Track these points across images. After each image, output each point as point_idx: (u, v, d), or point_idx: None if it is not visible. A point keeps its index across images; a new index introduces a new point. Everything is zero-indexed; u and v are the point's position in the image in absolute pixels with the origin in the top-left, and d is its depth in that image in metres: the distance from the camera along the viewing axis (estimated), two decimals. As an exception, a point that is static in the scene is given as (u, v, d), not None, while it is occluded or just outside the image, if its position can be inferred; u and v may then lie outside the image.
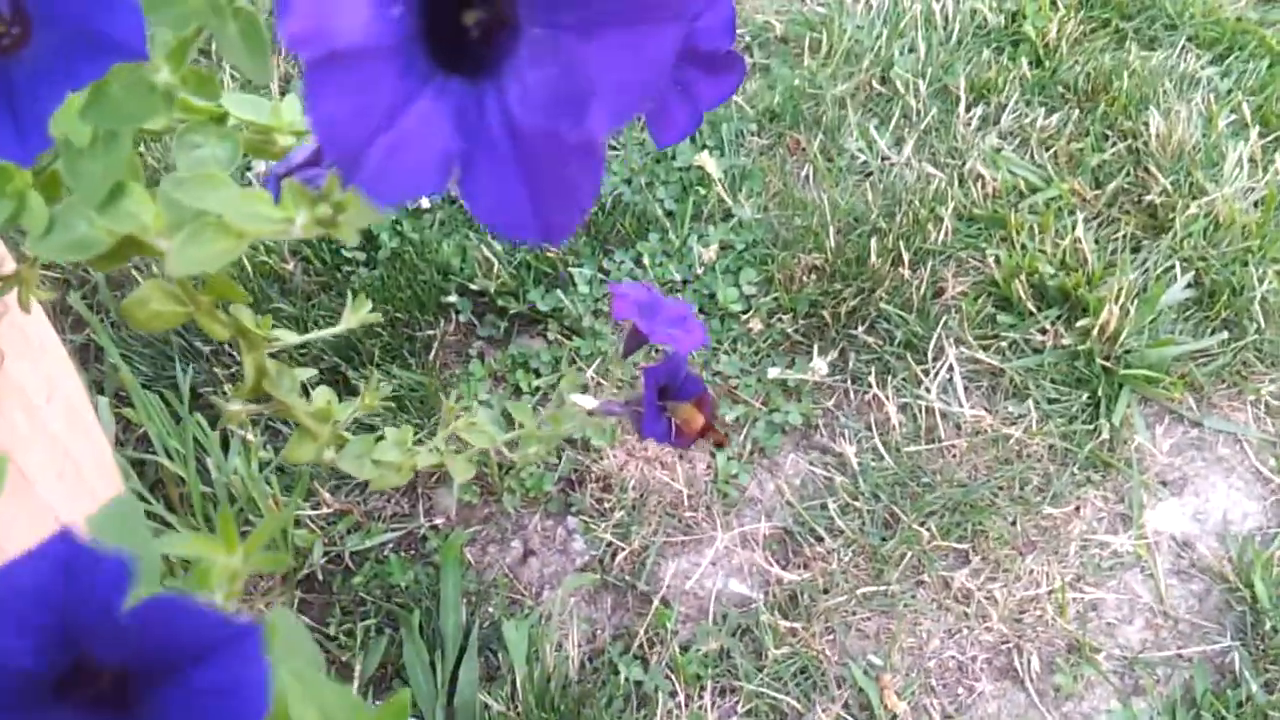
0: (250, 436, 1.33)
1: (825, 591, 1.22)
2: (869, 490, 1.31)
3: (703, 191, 1.62)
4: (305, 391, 0.79)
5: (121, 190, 0.43)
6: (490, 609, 1.26)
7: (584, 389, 0.89)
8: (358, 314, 0.82)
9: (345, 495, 1.38)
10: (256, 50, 0.33)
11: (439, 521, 1.36)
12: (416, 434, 1.36)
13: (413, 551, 1.33)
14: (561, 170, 0.29)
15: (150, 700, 0.29)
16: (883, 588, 1.22)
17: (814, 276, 1.51)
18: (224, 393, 1.39)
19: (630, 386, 1.41)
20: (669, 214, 1.60)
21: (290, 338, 0.76)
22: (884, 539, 1.27)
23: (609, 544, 1.30)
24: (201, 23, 0.34)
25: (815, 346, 1.45)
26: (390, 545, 1.33)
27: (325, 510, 1.34)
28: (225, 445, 1.32)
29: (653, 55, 0.28)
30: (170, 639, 0.28)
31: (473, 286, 1.52)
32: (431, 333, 1.49)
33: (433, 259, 1.54)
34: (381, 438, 0.89)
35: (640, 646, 1.20)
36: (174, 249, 0.39)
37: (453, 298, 1.51)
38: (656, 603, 1.24)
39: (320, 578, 1.30)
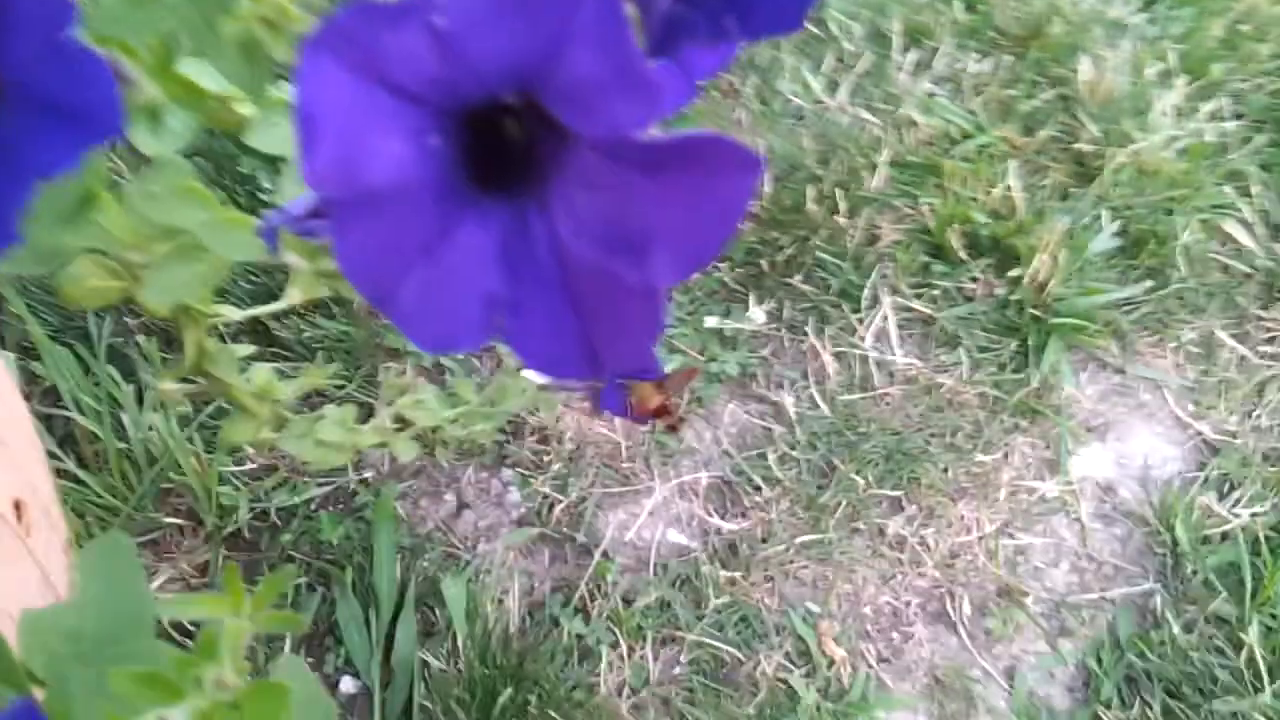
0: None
1: (764, 541, 1.23)
2: (806, 439, 1.32)
3: (636, 135, 1.59)
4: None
5: (90, 201, 0.39)
6: (425, 564, 1.25)
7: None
8: (304, 288, 0.78)
9: (271, 450, 1.34)
10: (256, 67, 0.28)
11: (369, 475, 1.33)
12: (345, 390, 1.33)
13: (342, 506, 1.30)
14: (618, 312, 0.24)
15: None
16: (820, 536, 1.23)
17: (751, 224, 1.49)
18: (137, 344, 1.33)
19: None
20: (602, 158, 1.57)
21: (233, 314, 0.72)
22: (820, 488, 1.28)
23: (546, 496, 1.28)
24: (186, 32, 0.29)
25: (752, 295, 1.44)
26: (319, 500, 1.30)
27: (251, 465, 1.30)
28: (140, 398, 1.27)
29: (727, 206, 0.23)
30: None
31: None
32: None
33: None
34: (322, 417, 0.86)
35: (581, 599, 1.20)
36: (150, 277, 0.36)
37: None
38: (596, 555, 1.24)
39: (247, 535, 1.26)
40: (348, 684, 1.19)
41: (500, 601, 1.20)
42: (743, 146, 0.23)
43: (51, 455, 1.23)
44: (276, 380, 0.78)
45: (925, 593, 1.21)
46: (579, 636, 1.17)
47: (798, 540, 1.23)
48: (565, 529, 1.27)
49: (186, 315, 0.66)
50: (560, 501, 1.28)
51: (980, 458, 1.31)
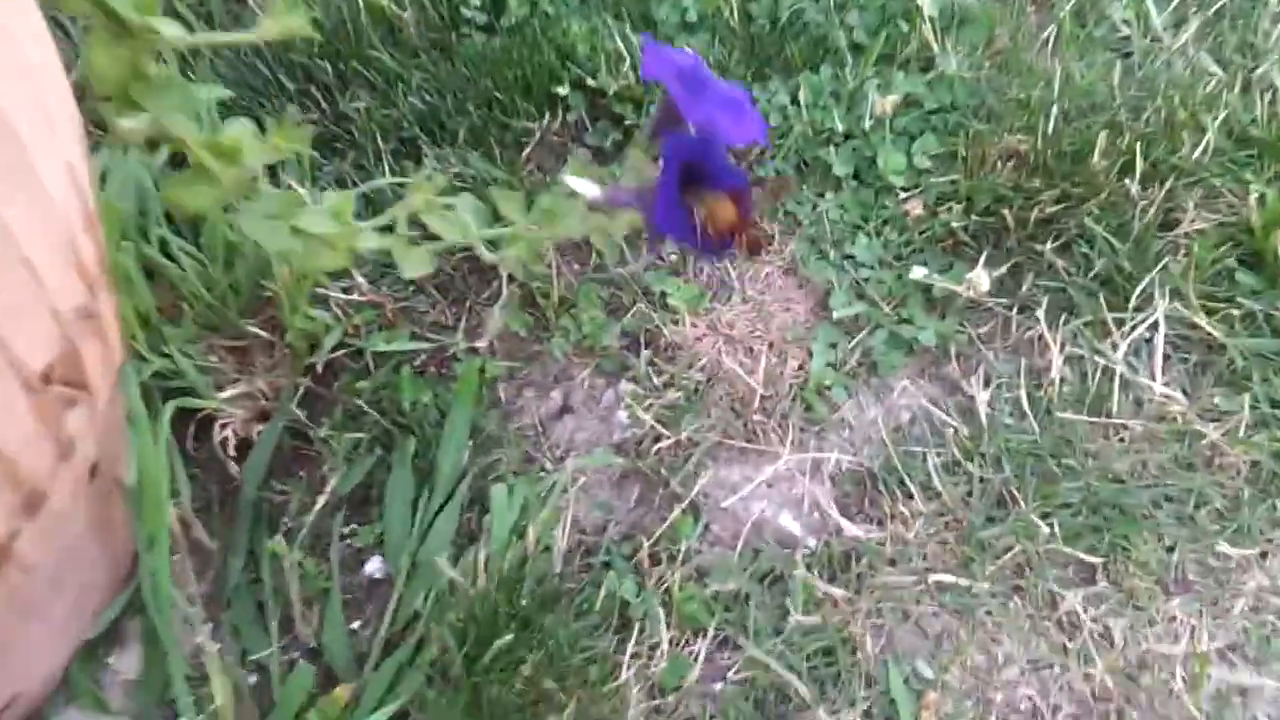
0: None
1: (892, 563, 0.95)
2: (992, 452, 1.00)
3: (905, 28, 1.27)
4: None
5: None
6: (500, 459, 1.06)
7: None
8: (279, 21, 0.57)
9: (387, 287, 1.18)
10: None
11: (480, 345, 1.15)
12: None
13: (442, 371, 1.13)
14: None
15: None
16: (966, 582, 0.94)
17: (1011, 165, 1.16)
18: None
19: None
20: (855, 47, 1.27)
21: (172, 30, 0.53)
22: (990, 520, 0.97)
23: (654, 425, 1.05)
24: None
25: (984, 254, 1.12)
26: (419, 356, 1.13)
27: (355, 297, 1.15)
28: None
29: None
30: None
31: (591, 83, 1.25)
32: (530, 125, 1.24)
33: (557, 40, 1.27)
34: (306, 203, 0.66)
35: (645, 558, 0.97)
36: None
37: (565, 89, 1.25)
38: (683, 509, 1.00)
39: (327, 369, 1.12)
40: (374, 565, 1.03)
41: (554, 529, 0.99)
42: None
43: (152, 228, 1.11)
44: (251, 139, 0.59)
45: (1083, 702, 0.89)
46: (624, 602, 0.94)
47: (935, 577, 0.93)
48: (662, 470, 1.04)
49: (106, 16, 0.47)
50: (668, 437, 1.05)
51: (1225, 548, 0.95)
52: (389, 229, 0.67)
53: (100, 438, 0.96)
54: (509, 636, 0.88)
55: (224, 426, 1.10)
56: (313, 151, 1.23)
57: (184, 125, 0.54)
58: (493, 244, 0.67)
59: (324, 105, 1.28)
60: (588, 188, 0.61)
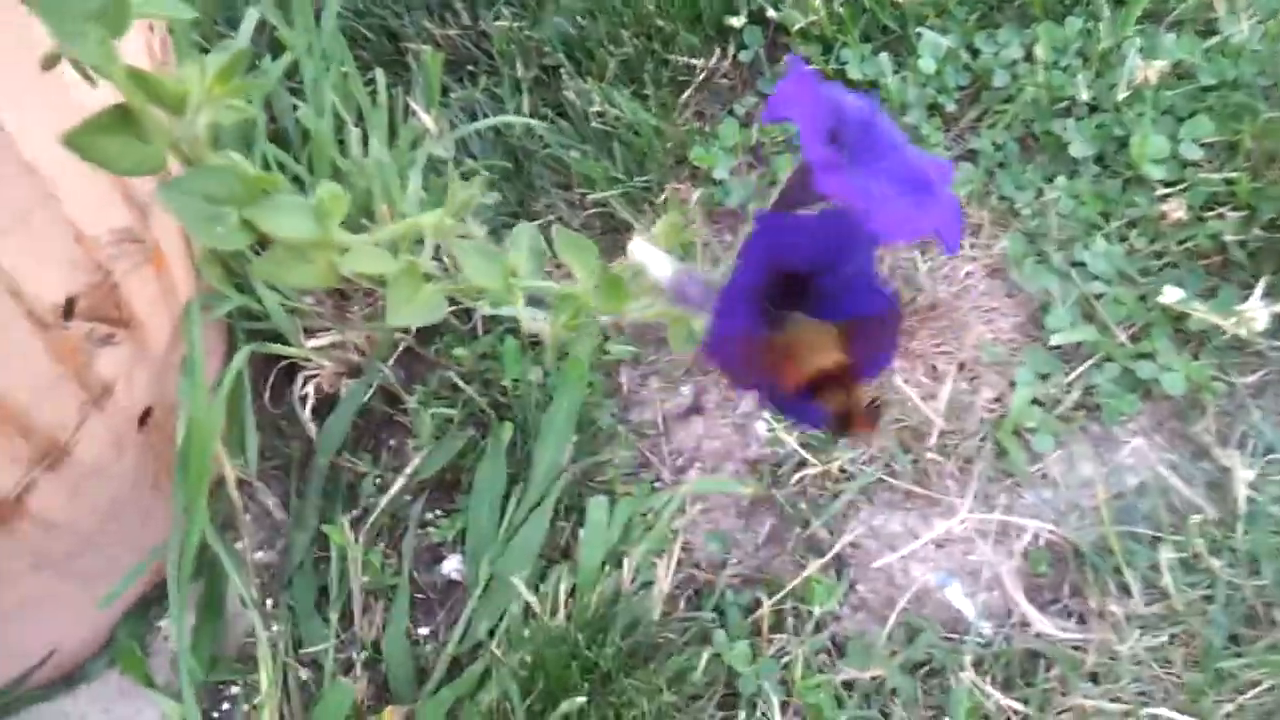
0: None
1: (1093, 679, 0.72)
2: (1246, 549, 0.75)
3: (1185, -21, 1.00)
4: None
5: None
6: (608, 460, 0.87)
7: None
8: None
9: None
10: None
11: (605, 319, 0.96)
12: (603, 194, 0.93)
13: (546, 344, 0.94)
14: None
15: None
16: (1196, 722, 0.70)
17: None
18: (415, 55, 1.02)
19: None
20: (1115, -2, 1.01)
21: None
22: (1234, 640, 0.72)
23: (798, 450, 0.84)
24: None
25: (1263, 280, 0.85)
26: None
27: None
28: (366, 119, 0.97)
29: None
30: None
31: (774, 14, 1.03)
32: (695, 62, 1.03)
33: (740, -40, 1.06)
34: (279, 190, 0.45)
35: (764, 619, 0.77)
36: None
37: (740, 21, 1.03)
38: (824, 561, 0.79)
39: (437, 329, 0.95)
40: (452, 565, 0.87)
41: (658, 562, 0.80)
42: None
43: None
44: (199, 81, 0.40)
45: None
46: (732, 672, 0.74)
47: (1152, 710, 0.70)
48: (803, 505, 0.83)
49: None
50: (814, 465, 0.84)
51: None
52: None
53: (155, 382, 0.82)
54: (581, 699, 0.69)
55: (308, 380, 0.95)
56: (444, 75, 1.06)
57: (95, 47, 0.34)
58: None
59: (465, 20, 1.11)
60: (659, 264, 0.39)
